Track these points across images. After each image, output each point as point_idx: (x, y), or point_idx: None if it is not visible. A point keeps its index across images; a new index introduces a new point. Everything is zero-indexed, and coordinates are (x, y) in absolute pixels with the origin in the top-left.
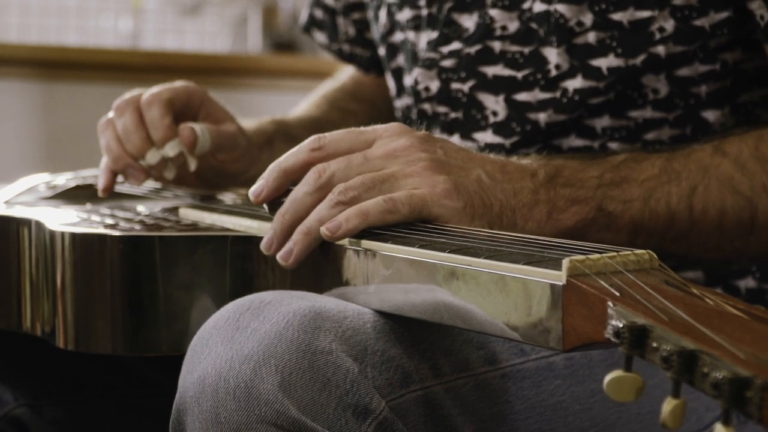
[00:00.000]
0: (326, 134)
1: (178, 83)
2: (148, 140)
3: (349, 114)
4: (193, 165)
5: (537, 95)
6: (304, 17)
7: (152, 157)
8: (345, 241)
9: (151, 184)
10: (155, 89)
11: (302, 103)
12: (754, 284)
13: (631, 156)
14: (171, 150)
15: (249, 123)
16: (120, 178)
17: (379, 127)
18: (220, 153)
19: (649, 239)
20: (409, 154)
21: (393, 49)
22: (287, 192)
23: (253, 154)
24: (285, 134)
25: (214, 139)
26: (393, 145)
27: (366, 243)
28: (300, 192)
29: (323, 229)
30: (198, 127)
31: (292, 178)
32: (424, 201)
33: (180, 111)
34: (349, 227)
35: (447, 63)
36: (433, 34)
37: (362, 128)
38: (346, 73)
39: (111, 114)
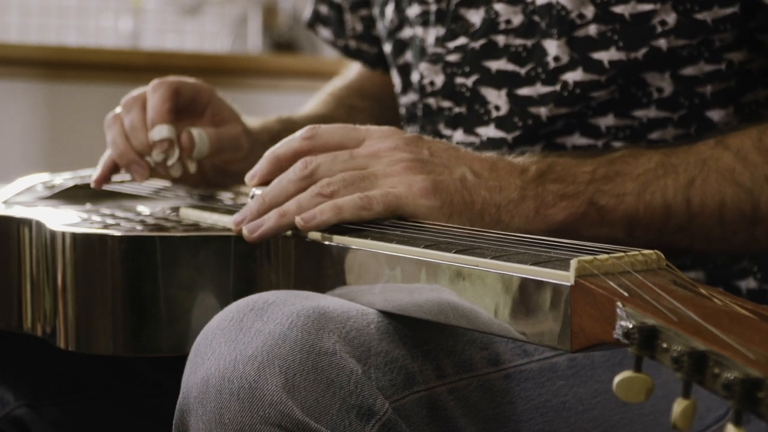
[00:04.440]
0: (321, 125)
1: (189, 79)
2: None
3: (355, 111)
4: (192, 167)
5: (538, 89)
6: (308, 13)
7: (158, 155)
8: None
9: (151, 184)
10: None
11: (310, 101)
12: (755, 285)
13: (629, 151)
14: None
15: (255, 121)
16: (117, 177)
17: (371, 127)
18: (221, 155)
19: (646, 233)
20: (392, 155)
21: (401, 45)
22: None
23: (258, 153)
24: (289, 132)
25: (213, 143)
26: (378, 146)
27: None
28: (285, 179)
29: (298, 219)
30: (196, 131)
31: (283, 164)
32: (399, 199)
33: (185, 105)
34: (322, 219)
35: (452, 58)
36: (441, 30)
37: (356, 126)
38: (353, 70)
39: (119, 109)
